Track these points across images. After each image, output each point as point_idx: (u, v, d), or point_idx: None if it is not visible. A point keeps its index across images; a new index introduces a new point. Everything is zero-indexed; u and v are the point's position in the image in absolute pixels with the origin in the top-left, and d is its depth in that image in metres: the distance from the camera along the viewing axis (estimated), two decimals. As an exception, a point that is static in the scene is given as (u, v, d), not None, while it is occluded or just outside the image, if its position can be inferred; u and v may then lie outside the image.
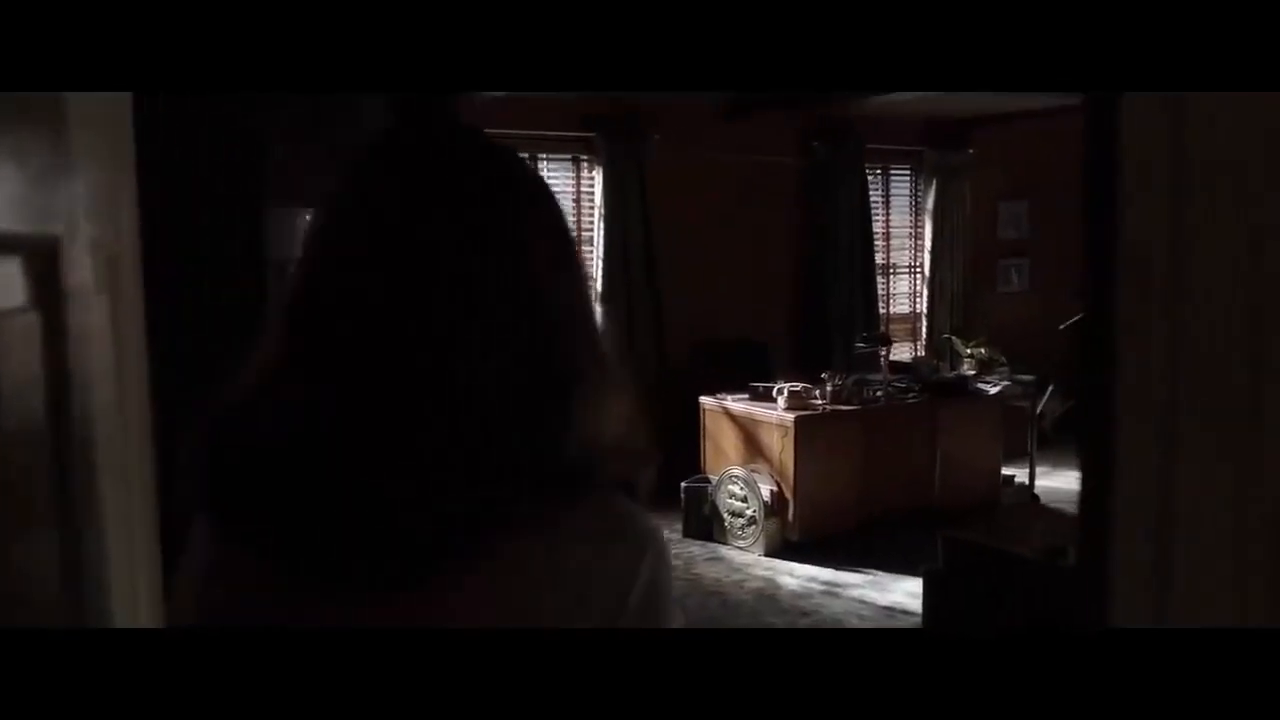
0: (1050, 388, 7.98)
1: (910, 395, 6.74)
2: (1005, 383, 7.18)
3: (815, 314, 7.88)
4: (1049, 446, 8.20)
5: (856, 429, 6.41)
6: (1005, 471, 7.27)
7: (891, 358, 8.07)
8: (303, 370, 0.91)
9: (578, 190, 7.18)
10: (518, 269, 0.91)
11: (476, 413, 0.87)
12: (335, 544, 0.88)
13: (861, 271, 8.15)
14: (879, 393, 6.59)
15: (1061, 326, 9.22)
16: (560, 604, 0.89)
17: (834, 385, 6.47)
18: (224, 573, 0.94)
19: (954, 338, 8.40)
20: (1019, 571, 3.59)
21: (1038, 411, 7.60)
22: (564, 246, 0.97)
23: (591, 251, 7.12)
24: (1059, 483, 7.79)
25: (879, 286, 8.43)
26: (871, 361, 7.53)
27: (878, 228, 8.47)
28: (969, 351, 8.19)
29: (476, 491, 0.87)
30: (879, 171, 8.56)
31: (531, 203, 0.95)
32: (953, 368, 7.81)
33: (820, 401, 6.36)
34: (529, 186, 0.97)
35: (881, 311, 8.50)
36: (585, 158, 7.13)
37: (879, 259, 8.46)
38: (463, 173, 0.94)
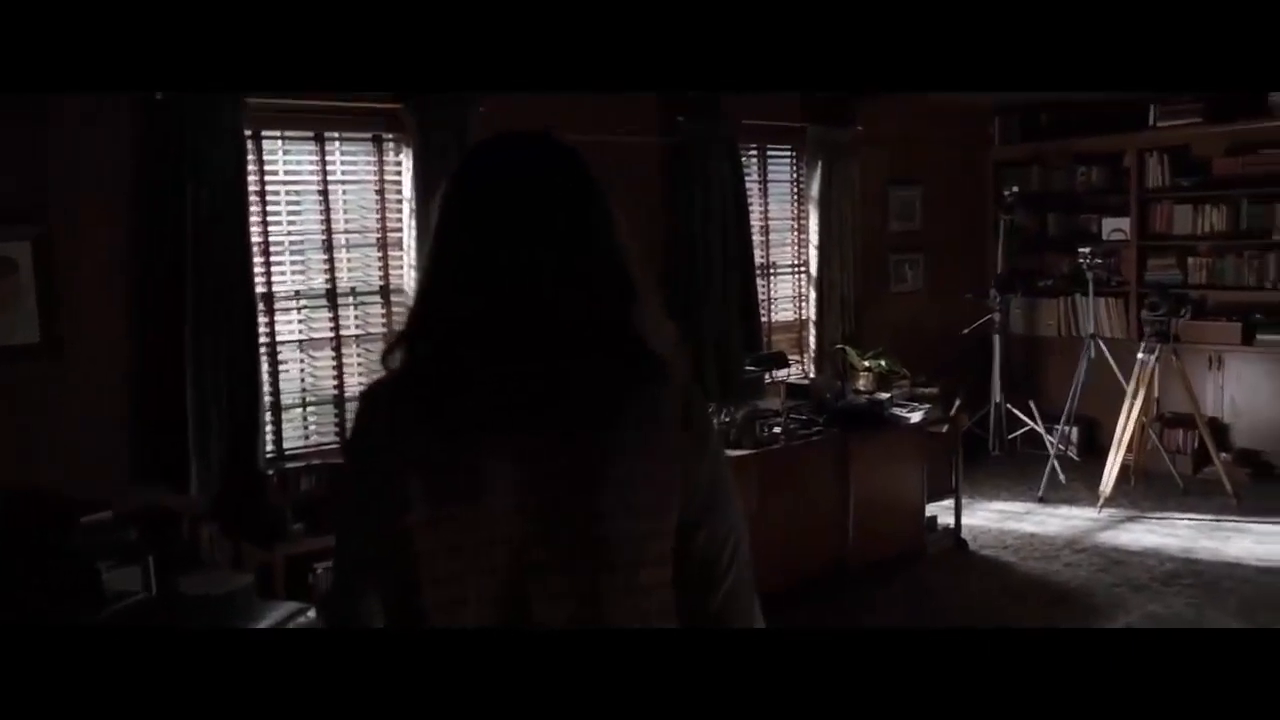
0: (957, 401, 6.71)
1: (815, 429, 5.35)
2: (926, 406, 5.86)
3: (686, 328, 6.42)
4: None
5: (751, 478, 4.97)
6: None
7: (778, 378, 6.70)
8: (476, 302, 1.37)
9: (380, 179, 5.56)
10: (592, 229, 1.40)
11: (585, 319, 1.37)
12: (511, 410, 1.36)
13: (739, 274, 6.73)
14: (776, 429, 5.18)
15: (965, 331, 8.06)
16: (654, 455, 1.38)
17: (719, 423, 5.03)
18: (418, 444, 1.36)
19: (848, 348, 7.08)
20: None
21: (944, 429, 6.32)
22: (611, 209, 1.43)
23: (401, 258, 5.51)
24: (981, 519, 6.53)
25: (759, 290, 7.03)
26: (756, 386, 6.12)
27: (755, 220, 7.07)
28: (866, 364, 6.90)
29: (597, 370, 1.37)
30: (755, 152, 7.17)
31: (593, 182, 1.42)
32: (844, 384, 6.47)
33: (703, 445, 4.91)
34: (588, 170, 1.43)
35: (763, 320, 7.11)
36: (390, 136, 5.53)
37: (758, 257, 7.06)
38: (549, 166, 1.42)
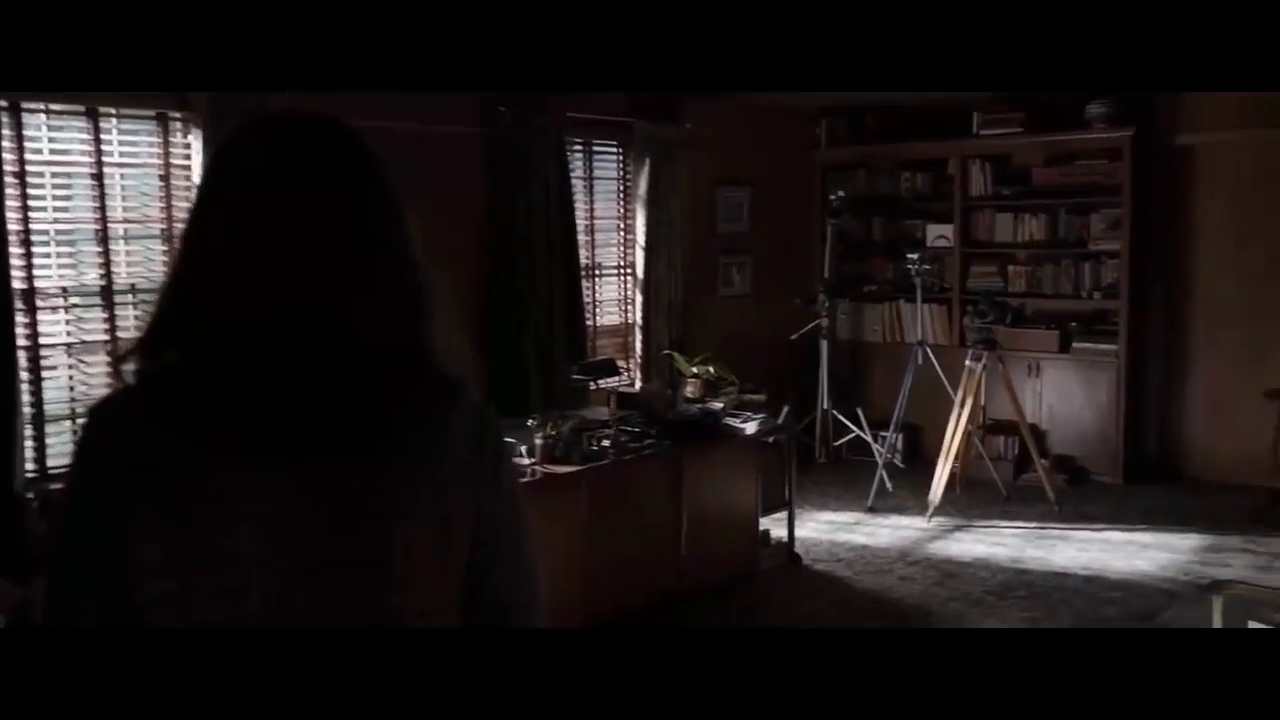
0: (785, 408, 6.52)
1: (647, 442, 5.02)
2: (760, 416, 5.62)
3: (506, 333, 6.00)
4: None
5: (579, 496, 4.62)
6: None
7: (607, 386, 6.37)
8: (236, 306, 1.15)
9: (166, 163, 4.96)
10: (378, 230, 1.20)
11: (364, 331, 1.17)
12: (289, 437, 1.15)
13: (564, 275, 6.37)
14: (606, 442, 4.83)
15: (794, 336, 7.90)
16: (439, 485, 1.21)
17: (545, 436, 4.65)
18: (178, 459, 1.14)
19: (675, 354, 6.82)
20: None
21: (773, 440, 6.10)
22: (401, 209, 1.23)
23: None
24: (811, 531, 6.34)
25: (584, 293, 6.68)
26: (583, 396, 5.78)
27: (581, 218, 6.72)
28: (694, 370, 6.65)
29: (376, 389, 1.18)
30: (581, 147, 6.81)
31: (381, 176, 1.23)
32: (675, 393, 6.19)
33: (527, 461, 4.53)
34: (376, 163, 1.23)
35: (588, 324, 6.76)
36: (177, 115, 4.94)
37: (583, 258, 6.72)
38: (331, 154, 1.21)
